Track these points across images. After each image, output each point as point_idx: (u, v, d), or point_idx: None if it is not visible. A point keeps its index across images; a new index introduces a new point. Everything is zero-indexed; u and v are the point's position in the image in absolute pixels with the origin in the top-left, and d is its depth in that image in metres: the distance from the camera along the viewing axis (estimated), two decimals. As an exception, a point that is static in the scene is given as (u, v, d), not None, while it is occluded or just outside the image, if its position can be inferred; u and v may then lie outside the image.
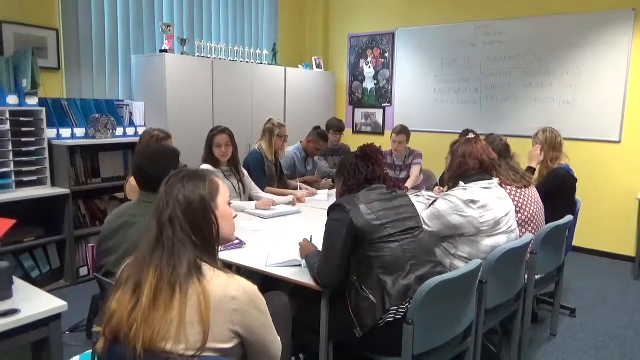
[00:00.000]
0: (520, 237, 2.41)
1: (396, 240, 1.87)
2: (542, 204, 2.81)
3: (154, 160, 2.07)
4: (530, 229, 2.66)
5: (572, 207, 3.19)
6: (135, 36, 4.38)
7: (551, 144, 3.20)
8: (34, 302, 1.72)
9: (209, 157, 3.33)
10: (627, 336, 3.11)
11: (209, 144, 3.33)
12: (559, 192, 3.06)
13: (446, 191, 2.39)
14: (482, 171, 2.31)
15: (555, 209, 2.95)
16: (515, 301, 2.50)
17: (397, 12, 5.71)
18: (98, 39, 4.12)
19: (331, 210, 1.95)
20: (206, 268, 1.22)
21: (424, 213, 2.29)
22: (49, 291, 3.46)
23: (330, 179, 4.26)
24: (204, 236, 1.26)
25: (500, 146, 2.85)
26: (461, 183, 2.29)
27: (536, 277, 2.61)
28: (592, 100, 4.62)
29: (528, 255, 2.49)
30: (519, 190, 2.68)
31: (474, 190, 2.24)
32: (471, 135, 2.57)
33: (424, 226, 2.18)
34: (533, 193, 2.78)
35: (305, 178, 4.23)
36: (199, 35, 4.89)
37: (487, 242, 2.20)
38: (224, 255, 2.25)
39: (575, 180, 3.23)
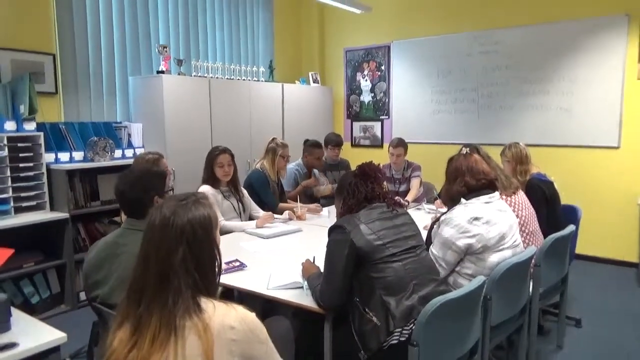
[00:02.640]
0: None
1: (398, 259, 1.85)
2: (532, 208, 2.80)
3: (136, 184, 2.00)
4: (525, 235, 2.64)
5: (559, 213, 3.19)
6: (132, 58, 4.40)
7: (517, 157, 3.23)
8: (32, 335, 1.70)
9: (210, 177, 3.32)
10: (635, 347, 3.07)
11: (210, 164, 3.32)
12: (540, 202, 3.06)
13: (445, 210, 2.36)
14: (482, 185, 2.29)
15: (547, 219, 2.97)
16: (520, 315, 2.48)
17: (391, 25, 5.74)
18: (95, 62, 4.14)
19: (331, 231, 1.93)
20: (204, 301, 1.20)
21: (433, 247, 2.24)
22: (49, 317, 3.49)
23: (330, 185, 4.24)
24: (206, 273, 1.23)
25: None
26: (462, 200, 2.26)
27: (540, 289, 2.59)
28: (589, 106, 4.63)
29: (532, 268, 2.47)
30: (509, 198, 2.68)
31: (476, 206, 2.22)
32: (464, 151, 2.54)
33: (437, 261, 2.16)
34: (522, 198, 2.77)
35: (305, 183, 4.20)
36: (195, 55, 4.91)
37: (493, 259, 2.17)
38: (225, 279, 2.23)
39: (552, 183, 3.23)
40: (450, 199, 2.35)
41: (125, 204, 2.02)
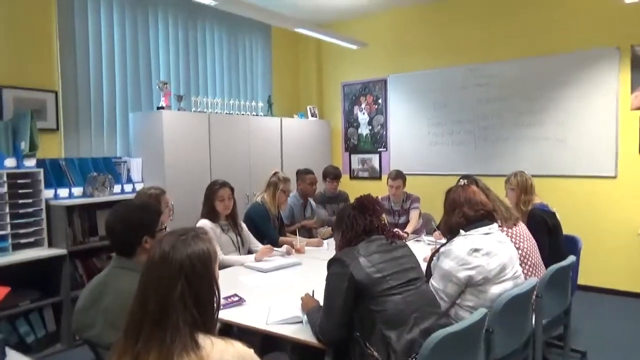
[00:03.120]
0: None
1: (398, 292, 1.84)
2: (534, 240, 2.79)
3: (125, 222, 1.91)
4: (527, 267, 2.62)
5: (561, 244, 3.18)
6: (133, 94, 4.47)
7: (523, 187, 3.24)
8: (27, 375, 1.66)
9: (210, 212, 3.32)
10: (643, 379, 3.01)
11: (211, 198, 3.33)
12: (542, 233, 3.05)
13: (444, 241, 2.36)
14: (482, 217, 2.30)
15: (549, 249, 2.96)
16: (524, 348, 2.43)
17: (387, 59, 5.86)
18: (96, 99, 4.20)
19: (330, 264, 1.92)
20: (202, 337, 1.18)
21: (433, 280, 2.22)
22: (45, 357, 3.41)
23: (330, 227, 4.24)
24: (205, 309, 1.22)
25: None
26: (461, 231, 2.26)
27: (544, 321, 2.55)
28: (585, 137, 4.68)
29: (533, 300, 2.44)
30: (510, 230, 2.67)
31: (475, 238, 2.21)
32: (462, 182, 2.56)
33: (438, 293, 2.14)
34: (523, 230, 2.76)
35: (304, 222, 4.21)
36: (195, 91, 4.99)
37: (494, 290, 2.15)
38: (224, 314, 2.20)
39: (554, 214, 3.23)
40: (449, 230, 2.34)
41: (113, 241, 1.95)
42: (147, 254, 1.83)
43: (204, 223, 3.26)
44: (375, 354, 1.76)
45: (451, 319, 2.12)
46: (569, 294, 2.87)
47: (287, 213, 4.21)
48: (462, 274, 2.13)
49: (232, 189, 3.38)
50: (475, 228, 2.25)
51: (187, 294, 1.19)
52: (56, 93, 3.94)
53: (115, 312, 1.74)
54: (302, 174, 4.34)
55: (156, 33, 4.67)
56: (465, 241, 2.20)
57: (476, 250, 2.16)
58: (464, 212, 2.28)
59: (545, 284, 2.49)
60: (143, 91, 4.55)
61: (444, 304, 2.15)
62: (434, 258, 2.30)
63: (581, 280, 3.47)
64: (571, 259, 2.76)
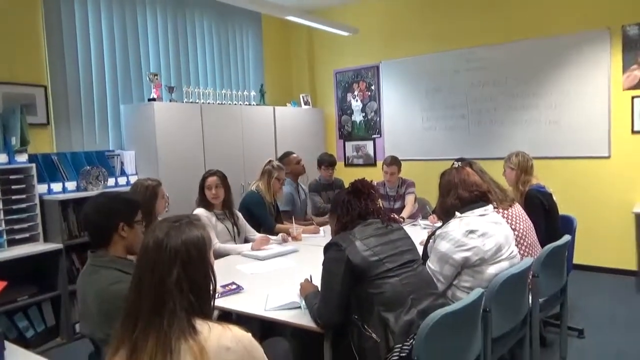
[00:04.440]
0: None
1: (395, 274, 1.84)
2: (530, 221, 2.81)
3: (102, 208, 1.86)
4: (523, 248, 2.64)
5: (557, 224, 3.20)
6: (123, 86, 4.43)
7: (523, 167, 3.24)
8: (27, 368, 1.66)
9: (203, 201, 3.35)
10: (638, 355, 3.05)
11: (201, 187, 3.36)
12: (539, 214, 3.06)
13: (440, 224, 2.36)
14: (476, 198, 2.30)
15: (546, 230, 2.98)
16: (521, 327, 2.46)
17: (379, 46, 5.83)
18: (86, 92, 4.16)
19: (327, 249, 1.92)
20: (199, 323, 1.18)
21: (430, 262, 2.23)
22: (45, 351, 3.42)
23: (301, 228, 4.19)
24: (201, 294, 1.22)
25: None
26: (457, 213, 2.26)
27: (540, 300, 2.57)
28: (578, 118, 4.69)
29: (530, 279, 2.46)
30: (505, 211, 2.68)
31: (470, 219, 2.22)
32: (456, 165, 2.56)
33: (435, 275, 2.15)
34: (519, 211, 2.77)
35: (304, 227, 4.15)
36: (186, 82, 4.95)
37: (491, 271, 2.16)
38: (222, 302, 2.21)
39: (550, 195, 3.24)
40: (445, 213, 2.34)
41: (87, 229, 1.90)
42: (122, 245, 1.84)
43: (200, 212, 3.27)
44: (374, 335, 1.77)
45: (448, 300, 2.13)
46: (565, 273, 2.89)
47: (288, 198, 4.19)
48: (459, 256, 2.14)
49: (221, 178, 3.37)
50: (471, 210, 2.25)
51: (183, 280, 1.19)
52: (45, 87, 3.90)
53: (96, 313, 1.75)
54: (284, 157, 4.35)
55: (145, 23, 4.62)
56: (460, 223, 2.21)
57: (472, 231, 2.17)
58: (459, 193, 2.28)
59: (541, 263, 2.51)
60: (134, 83, 4.51)
61: (441, 285, 2.16)
62: (430, 240, 2.30)
63: (577, 259, 3.50)
64: (566, 238, 2.78)
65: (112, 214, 1.84)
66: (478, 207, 2.27)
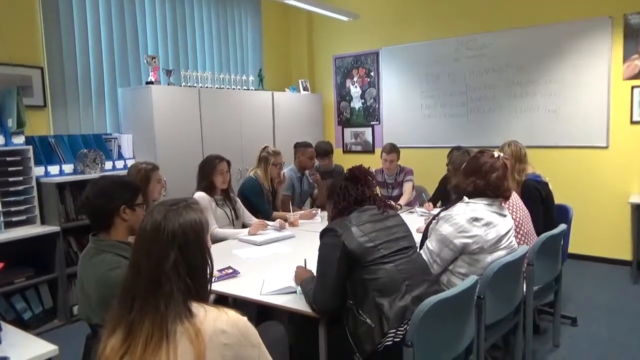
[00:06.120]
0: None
1: (390, 261, 1.85)
2: (526, 210, 2.81)
3: (103, 191, 1.86)
4: (520, 236, 2.65)
5: (553, 214, 3.21)
6: (121, 69, 4.39)
7: (517, 156, 3.23)
8: (23, 348, 1.67)
9: (208, 186, 3.31)
10: (631, 344, 3.08)
11: (210, 173, 3.32)
12: (536, 204, 3.07)
13: (441, 205, 2.36)
14: (489, 194, 2.25)
15: (542, 220, 2.99)
16: (515, 314, 2.48)
17: (379, 32, 5.79)
18: (83, 74, 4.13)
19: (323, 234, 1.93)
20: (195, 306, 1.19)
21: (429, 242, 2.24)
22: (42, 332, 3.45)
23: (297, 213, 4.18)
24: (198, 278, 1.22)
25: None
26: (465, 198, 2.25)
27: (534, 288, 2.59)
28: (577, 107, 4.68)
29: (525, 267, 2.48)
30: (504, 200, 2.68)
31: (477, 207, 2.21)
32: (496, 154, 2.49)
33: (432, 256, 2.16)
34: (516, 200, 2.78)
35: (301, 213, 4.16)
36: (185, 65, 4.91)
37: (487, 259, 2.17)
38: (219, 286, 2.22)
39: (546, 184, 3.25)
40: (454, 189, 2.34)
41: (88, 213, 1.91)
42: (124, 227, 1.86)
43: (201, 195, 3.24)
44: (368, 321, 1.78)
45: (443, 286, 2.15)
46: (560, 262, 2.91)
47: (289, 184, 4.17)
48: (459, 241, 2.15)
49: (229, 163, 3.38)
50: (480, 198, 2.25)
51: (180, 263, 1.20)
52: (42, 69, 3.87)
53: (94, 298, 1.78)
54: (302, 147, 4.26)
55: (143, 5, 4.57)
56: (467, 208, 2.21)
57: (476, 219, 2.17)
58: (476, 183, 2.25)
59: (537, 251, 2.53)
60: (131, 66, 4.47)
61: (437, 267, 2.17)
62: (433, 222, 2.31)
63: (572, 248, 3.51)
64: (562, 227, 2.79)
65: (113, 197, 1.85)
66: (487, 197, 2.26)
